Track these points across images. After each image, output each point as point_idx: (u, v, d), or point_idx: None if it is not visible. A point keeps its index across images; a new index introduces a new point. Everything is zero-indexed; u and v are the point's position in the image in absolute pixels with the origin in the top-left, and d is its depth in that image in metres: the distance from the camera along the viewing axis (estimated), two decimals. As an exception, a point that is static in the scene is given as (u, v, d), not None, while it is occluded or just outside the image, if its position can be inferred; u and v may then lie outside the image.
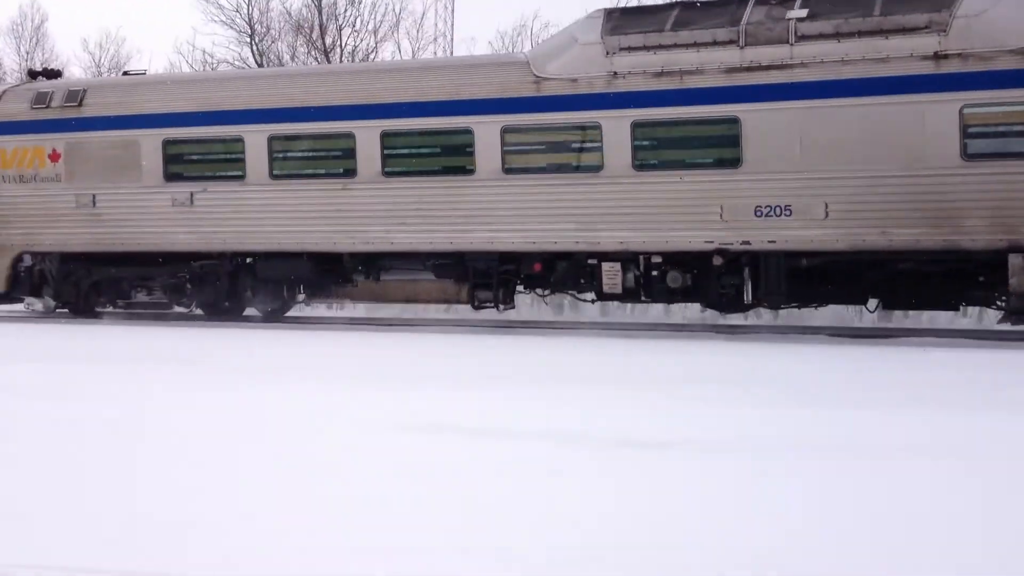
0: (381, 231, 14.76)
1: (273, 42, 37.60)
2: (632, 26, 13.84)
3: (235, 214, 15.54)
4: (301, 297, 16.77)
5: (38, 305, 17.38)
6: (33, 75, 18.55)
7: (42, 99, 16.58)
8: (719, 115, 13.22)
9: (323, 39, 36.81)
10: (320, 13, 36.58)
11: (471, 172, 14.41)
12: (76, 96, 16.40)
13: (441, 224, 14.45)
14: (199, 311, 16.61)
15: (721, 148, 13.36)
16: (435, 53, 38.82)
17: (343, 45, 36.93)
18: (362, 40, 37.35)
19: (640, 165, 13.61)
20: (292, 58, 36.82)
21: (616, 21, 14.05)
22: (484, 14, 44.98)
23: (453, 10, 40.57)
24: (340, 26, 36.56)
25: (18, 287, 16.80)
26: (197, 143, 15.93)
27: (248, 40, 36.79)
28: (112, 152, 16.08)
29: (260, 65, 34.71)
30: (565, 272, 14.48)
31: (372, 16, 36.47)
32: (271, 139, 15.33)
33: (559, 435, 7.30)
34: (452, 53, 37.70)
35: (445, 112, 14.48)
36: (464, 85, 14.51)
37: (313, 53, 36.51)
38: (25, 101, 16.67)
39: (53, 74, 18.87)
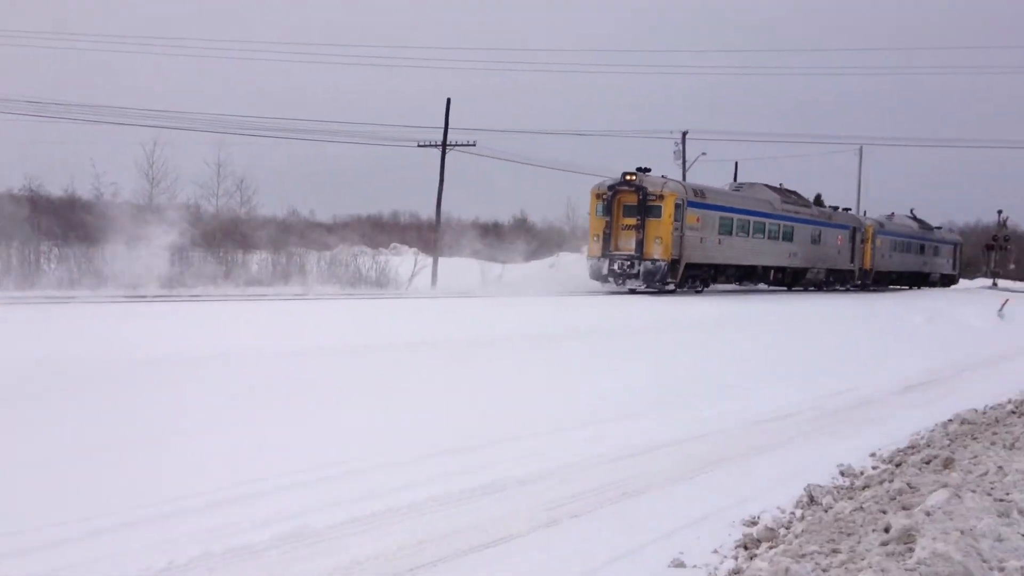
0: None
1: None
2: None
3: (742, 248, 37.16)
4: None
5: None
6: (640, 169, 32.73)
7: (698, 193, 33.91)
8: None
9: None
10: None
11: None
12: (703, 193, 34.34)
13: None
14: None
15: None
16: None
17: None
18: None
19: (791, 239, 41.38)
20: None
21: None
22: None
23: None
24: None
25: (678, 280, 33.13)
26: (742, 223, 36.81)
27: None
28: (715, 220, 34.86)
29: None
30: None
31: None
32: (760, 223, 38.35)
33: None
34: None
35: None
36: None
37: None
38: (691, 193, 33.39)
39: (645, 169, 32.98)
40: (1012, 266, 79.63)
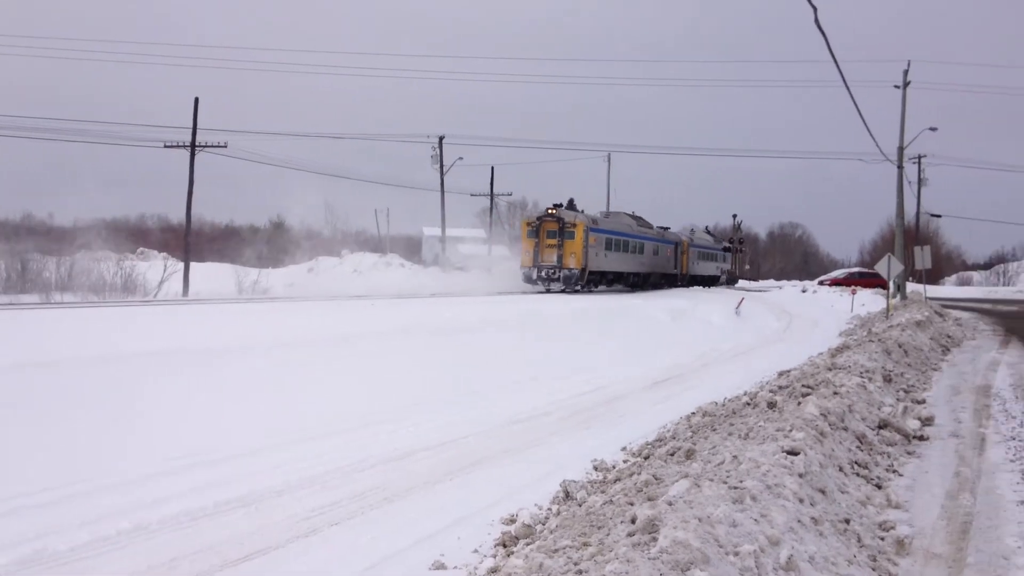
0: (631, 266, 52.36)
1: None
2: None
3: (617, 259, 48.96)
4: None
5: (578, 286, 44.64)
6: (556, 205, 44.75)
7: (594, 221, 46.15)
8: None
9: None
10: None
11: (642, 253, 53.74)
12: (596, 221, 46.63)
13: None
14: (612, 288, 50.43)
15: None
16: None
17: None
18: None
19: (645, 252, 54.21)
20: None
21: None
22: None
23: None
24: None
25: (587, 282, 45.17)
26: (617, 241, 48.75)
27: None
28: (604, 239, 46.51)
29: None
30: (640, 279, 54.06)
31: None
32: (626, 241, 50.32)
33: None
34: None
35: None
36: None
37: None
38: (591, 221, 45.26)
39: (571, 204, 46.52)
40: (747, 267, 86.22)
